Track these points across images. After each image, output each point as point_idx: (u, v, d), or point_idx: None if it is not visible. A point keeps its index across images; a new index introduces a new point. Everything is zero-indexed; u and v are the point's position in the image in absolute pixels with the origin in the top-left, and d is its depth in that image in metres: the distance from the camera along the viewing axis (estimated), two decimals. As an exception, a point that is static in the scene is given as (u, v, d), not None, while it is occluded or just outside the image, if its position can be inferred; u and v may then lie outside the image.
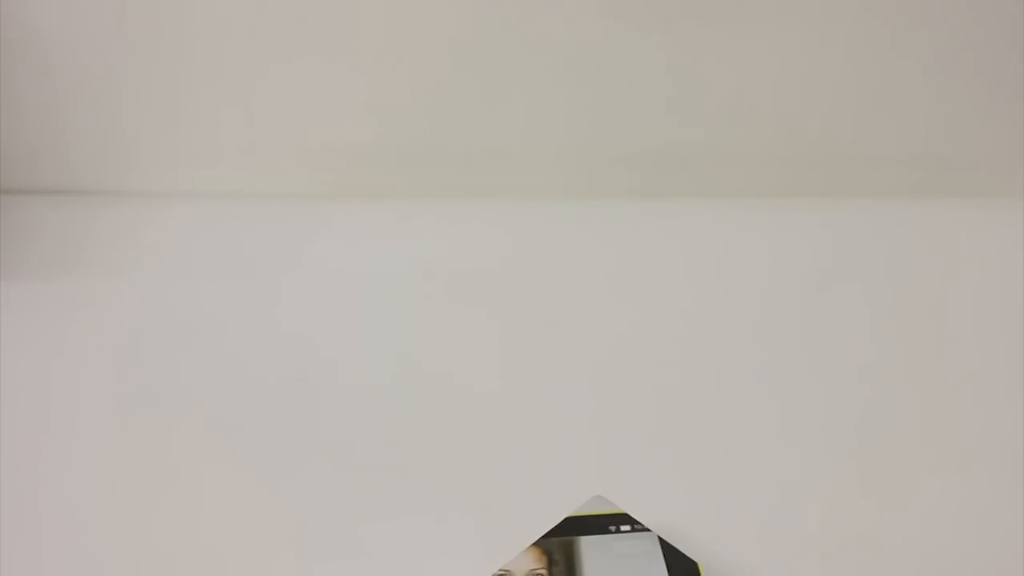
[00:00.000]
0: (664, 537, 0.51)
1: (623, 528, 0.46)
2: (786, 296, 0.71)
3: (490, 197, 0.80)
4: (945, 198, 0.80)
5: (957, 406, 0.62)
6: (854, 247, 0.75)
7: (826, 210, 0.79)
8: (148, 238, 0.76)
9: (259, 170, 0.81)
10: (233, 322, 0.67)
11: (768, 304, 0.70)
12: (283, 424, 0.60)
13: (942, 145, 0.80)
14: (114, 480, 0.56)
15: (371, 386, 0.63)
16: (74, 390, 0.62)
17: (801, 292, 0.71)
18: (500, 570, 0.43)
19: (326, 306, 0.69)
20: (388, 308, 0.69)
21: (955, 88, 0.78)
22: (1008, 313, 0.69)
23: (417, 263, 0.73)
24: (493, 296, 0.70)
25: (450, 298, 0.70)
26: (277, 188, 0.81)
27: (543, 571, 0.43)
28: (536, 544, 0.45)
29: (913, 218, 0.78)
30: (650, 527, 0.50)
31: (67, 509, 0.54)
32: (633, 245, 0.76)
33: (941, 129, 0.79)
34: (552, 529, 0.45)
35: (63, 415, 0.60)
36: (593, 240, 0.76)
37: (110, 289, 0.70)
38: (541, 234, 0.77)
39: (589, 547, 0.45)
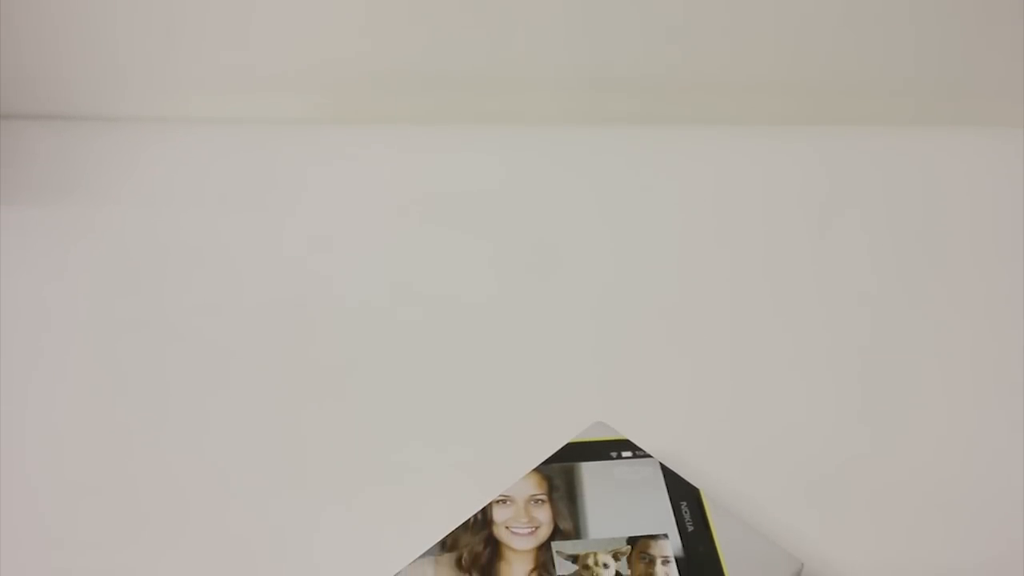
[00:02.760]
0: (665, 463, 0.51)
1: (624, 454, 0.45)
2: (786, 224, 0.70)
3: (489, 123, 0.79)
4: (945, 127, 0.79)
5: (956, 334, 0.61)
6: (854, 175, 0.74)
7: (827, 138, 0.78)
8: (145, 164, 0.75)
9: (256, 96, 0.80)
10: (229, 248, 0.67)
11: (768, 232, 0.69)
12: (280, 351, 0.59)
13: (943, 74, 0.79)
14: (110, 406, 0.56)
15: (369, 313, 0.62)
16: (71, 315, 0.61)
17: (801, 220, 0.70)
18: (500, 495, 0.43)
19: (323, 232, 0.68)
20: (386, 234, 0.68)
21: (956, 17, 0.76)
22: (1007, 242, 0.68)
23: (415, 189, 0.73)
24: (491, 222, 0.70)
25: (448, 224, 0.69)
26: (274, 114, 0.80)
27: (543, 496, 0.43)
28: (537, 470, 0.44)
29: (914, 146, 0.77)
30: (651, 453, 0.50)
31: (63, 435, 0.54)
32: (633, 172, 0.75)
33: (942, 58, 0.78)
34: (553, 455, 0.45)
35: (59, 340, 0.60)
36: (593, 167, 0.75)
37: (107, 214, 0.69)
38: (540, 160, 0.76)
39: (590, 473, 0.44)
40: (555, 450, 0.46)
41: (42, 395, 0.56)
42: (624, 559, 0.41)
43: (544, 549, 0.41)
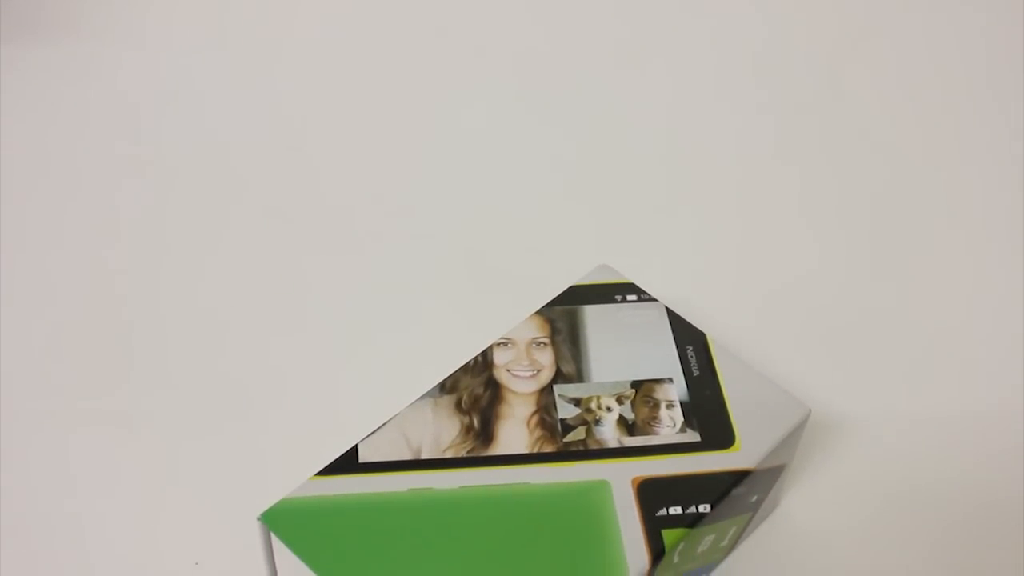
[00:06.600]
0: (673, 308, 0.50)
1: (629, 298, 0.44)
2: (800, 65, 0.67)
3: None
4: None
5: (967, 184, 0.60)
6: (869, 18, 0.71)
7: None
8: (144, 1, 0.72)
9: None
10: (227, 88, 0.64)
11: (779, 73, 0.66)
12: (280, 192, 0.58)
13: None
14: (109, 249, 0.54)
15: (368, 156, 0.60)
16: (70, 156, 0.59)
17: (813, 62, 0.67)
18: (502, 338, 0.42)
19: (322, 73, 0.66)
20: (384, 77, 0.66)
21: None
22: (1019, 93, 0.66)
23: (411, 18, 0.69)
24: (491, 58, 0.67)
25: (445, 59, 0.66)
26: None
27: (546, 340, 0.42)
28: (539, 313, 0.43)
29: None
30: (657, 298, 0.49)
31: (61, 278, 0.53)
32: (635, 6, 0.71)
33: None
34: (555, 298, 0.44)
35: (59, 182, 0.58)
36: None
37: (105, 55, 0.66)
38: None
39: (593, 316, 0.43)
40: (558, 293, 0.45)
41: (40, 235, 0.55)
42: (628, 403, 0.40)
43: (546, 392, 0.40)
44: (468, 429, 0.39)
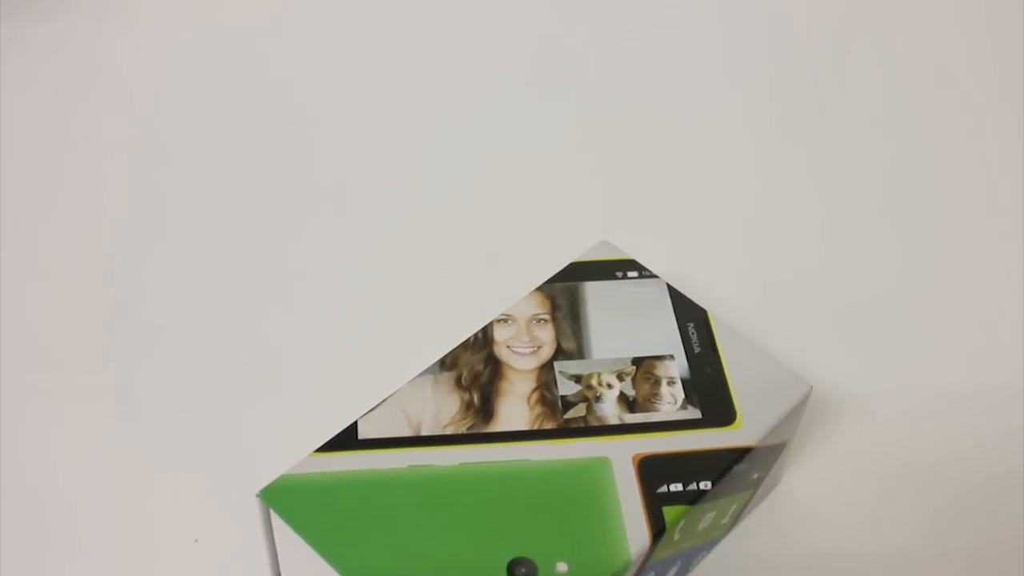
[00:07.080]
0: (673, 285, 0.49)
1: (630, 274, 0.44)
2: (807, 42, 0.66)
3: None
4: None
5: (974, 162, 0.59)
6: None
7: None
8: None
9: None
10: (222, 63, 0.64)
11: (789, 48, 0.66)
12: (275, 168, 0.57)
13: None
14: (103, 225, 0.54)
15: (366, 129, 0.60)
16: (63, 133, 0.59)
17: (821, 38, 0.67)
18: (502, 315, 0.42)
19: (317, 46, 0.65)
20: (382, 49, 0.65)
21: None
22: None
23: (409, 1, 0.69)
24: (491, 36, 0.66)
25: (445, 39, 0.66)
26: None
27: (546, 316, 0.42)
28: (539, 289, 0.43)
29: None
30: (658, 275, 0.49)
31: (55, 253, 0.52)
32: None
33: None
34: (556, 274, 0.44)
35: (53, 158, 0.57)
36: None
37: (99, 30, 0.66)
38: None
39: (594, 292, 0.43)
40: (558, 269, 0.45)
41: (34, 211, 0.54)
42: (628, 379, 0.40)
43: (546, 369, 0.40)
44: (468, 406, 0.38)
